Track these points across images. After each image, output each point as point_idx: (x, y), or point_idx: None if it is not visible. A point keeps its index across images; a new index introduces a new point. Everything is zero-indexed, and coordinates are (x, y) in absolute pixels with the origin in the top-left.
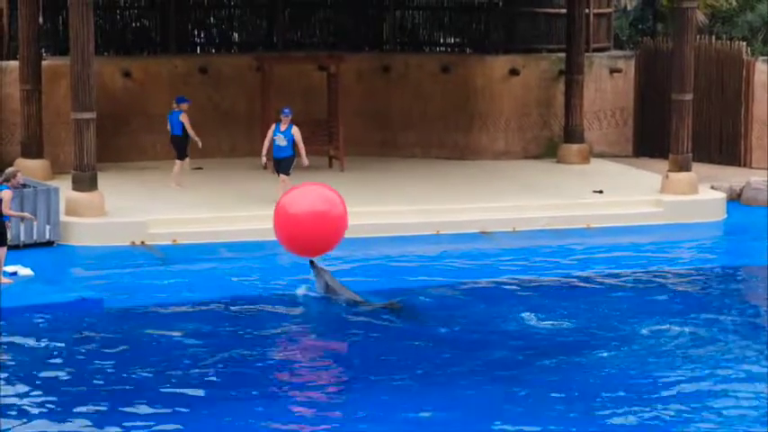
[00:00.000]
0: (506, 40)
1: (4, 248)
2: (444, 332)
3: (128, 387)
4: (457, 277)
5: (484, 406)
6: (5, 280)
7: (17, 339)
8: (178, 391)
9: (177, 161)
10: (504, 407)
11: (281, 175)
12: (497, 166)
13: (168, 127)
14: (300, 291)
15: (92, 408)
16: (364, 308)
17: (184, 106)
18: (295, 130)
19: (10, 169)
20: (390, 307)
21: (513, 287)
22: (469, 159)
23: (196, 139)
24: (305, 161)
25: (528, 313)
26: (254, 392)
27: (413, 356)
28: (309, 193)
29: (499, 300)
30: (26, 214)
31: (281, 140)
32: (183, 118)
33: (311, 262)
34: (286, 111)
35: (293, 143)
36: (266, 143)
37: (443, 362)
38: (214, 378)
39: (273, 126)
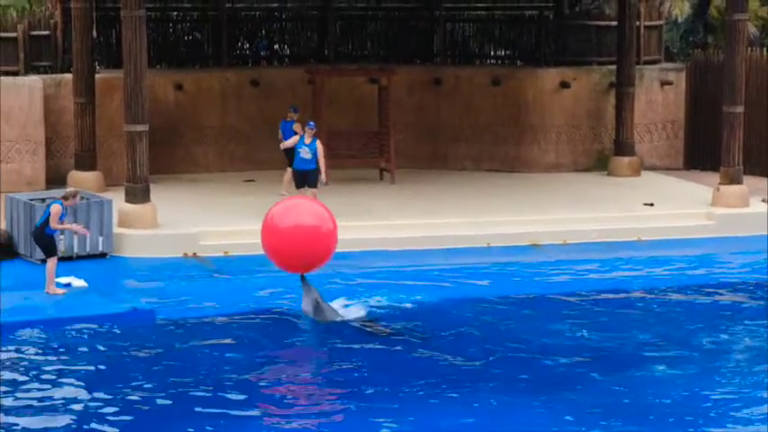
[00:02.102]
0: (557, 52)
1: (54, 259)
2: (490, 345)
3: (175, 397)
4: (506, 289)
5: (529, 421)
6: (58, 291)
7: (70, 349)
8: (228, 399)
9: (288, 169)
10: (551, 420)
11: (311, 189)
12: (548, 179)
13: (280, 135)
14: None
15: (143, 416)
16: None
17: (296, 116)
18: (319, 144)
19: (71, 189)
20: (376, 330)
21: (563, 300)
22: (520, 172)
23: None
24: (325, 177)
25: (577, 326)
26: (301, 405)
27: (457, 370)
28: (300, 208)
29: (548, 312)
30: (79, 228)
31: (306, 153)
32: (297, 127)
33: (302, 277)
34: (311, 123)
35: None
36: (287, 143)
37: (490, 375)
38: (262, 388)
39: (298, 137)
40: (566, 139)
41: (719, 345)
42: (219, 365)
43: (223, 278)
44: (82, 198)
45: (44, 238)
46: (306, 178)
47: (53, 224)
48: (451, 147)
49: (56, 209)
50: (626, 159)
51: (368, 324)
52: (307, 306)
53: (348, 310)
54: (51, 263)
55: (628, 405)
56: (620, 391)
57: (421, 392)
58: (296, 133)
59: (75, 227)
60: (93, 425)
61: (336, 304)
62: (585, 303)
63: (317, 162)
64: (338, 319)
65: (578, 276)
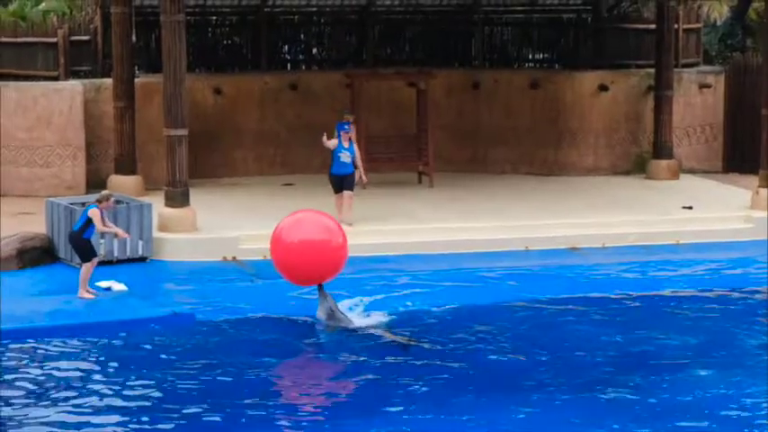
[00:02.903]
0: (595, 55)
1: (89, 264)
2: (528, 348)
3: (213, 402)
4: (544, 293)
5: (571, 423)
6: (89, 295)
7: (110, 353)
8: (267, 404)
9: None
10: (593, 422)
11: (347, 192)
12: (586, 182)
13: (327, 137)
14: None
15: (181, 419)
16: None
17: (352, 117)
18: (356, 147)
19: (105, 192)
20: (393, 339)
21: (602, 302)
22: (558, 175)
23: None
24: (365, 178)
25: (616, 329)
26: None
27: (491, 374)
28: (310, 221)
29: (587, 315)
30: (119, 231)
31: (346, 157)
32: (352, 128)
33: (319, 287)
34: (345, 127)
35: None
36: (328, 143)
37: (527, 378)
38: (303, 393)
39: (337, 141)
40: (604, 143)
41: (762, 347)
42: (257, 368)
43: (262, 282)
44: (118, 202)
45: (81, 243)
46: (343, 182)
47: (99, 227)
48: (490, 150)
49: (95, 212)
50: (664, 162)
51: (384, 333)
52: (321, 314)
53: (367, 318)
54: (86, 267)
55: (670, 408)
56: (661, 393)
57: (458, 398)
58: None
59: (117, 229)
60: (132, 426)
61: (354, 314)
62: (624, 306)
63: (354, 165)
64: (351, 326)
65: (617, 279)
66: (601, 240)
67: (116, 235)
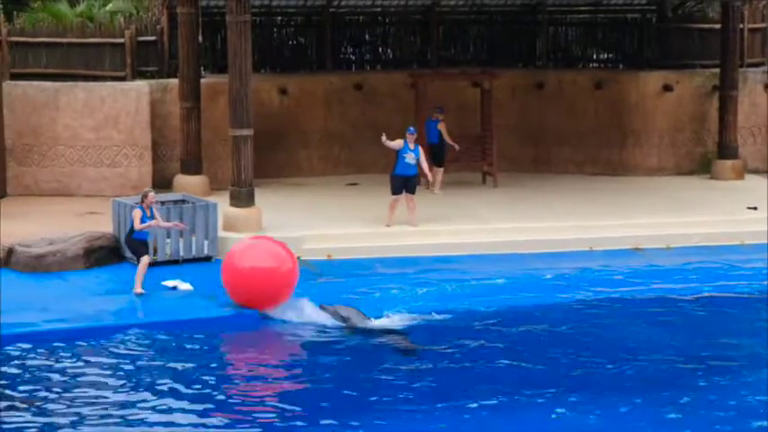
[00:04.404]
0: (660, 55)
1: (145, 261)
2: (585, 349)
3: (271, 401)
4: (608, 293)
5: (630, 424)
6: (141, 291)
7: (175, 352)
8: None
9: (436, 168)
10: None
11: (410, 195)
12: (651, 183)
13: (425, 136)
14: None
15: (244, 420)
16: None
17: (442, 116)
18: (421, 149)
19: (145, 190)
20: (405, 346)
21: (665, 303)
22: (623, 175)
23: (454, 144)
24: (430, 178)
25: (679, 330)
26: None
27: (557, 369)
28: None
29: (649, 316)
30: (165, 224)
31: (412, 159)
32: (441, 126)
33: (321, 306)
34: (411, 129)
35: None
36: (391, 144)
37: (582, 379)
38: (367, 396)
39: (401, 142)
40: (668, 143)
41: None
42: (314, 370)
43: (326, 281)
44: (183, 201)
45: (132, 242)
46: (407, 184)
47: (136, 226)
48: (554, 150)
49: (135, 213)
50: (729, 163)
51: (400, 339)
52: (291, 315)
53: (390, 319)
54: (142, 265)
55: (732, 410)
56: (723, 395)
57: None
58: (440, 132)
59: (162, 224)
60: (198, 425)
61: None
62: (688, 307)
63: (418, 168)
64: (369, 326)
65: (681, 280)
66: (665, 241)
67: (160, 227)
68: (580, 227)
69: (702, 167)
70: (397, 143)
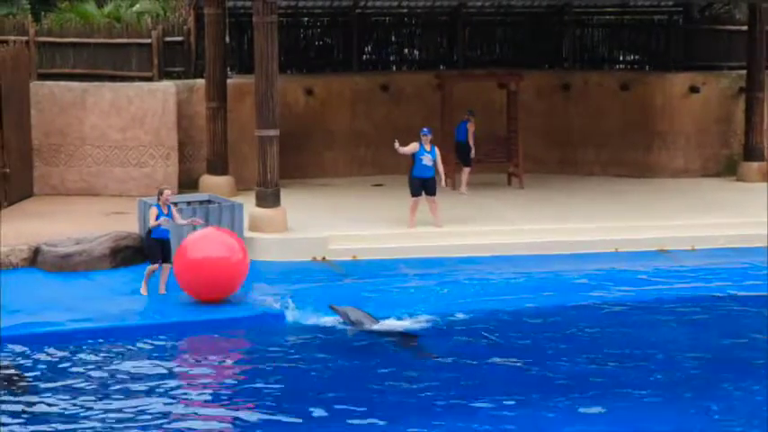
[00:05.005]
0: (686, 57)
1: (153, 265)
2: (609, 350)
3: (297, 402)
4: (633, 294)
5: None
6: (143, 291)
7: (201, 352)
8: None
9: (465, 168)
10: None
11: (430, 197)
12: (676, 184)
13: (455, 134)
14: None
15: (266, 420)
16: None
17: (473, 118)
18: (437, 150)
19: (161, 187)
20: (406, 341)
21: (690, 304)
22: (648, 177)
23: (472, 146)
24: (444, 182)
25: (705, 331)
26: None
27: (583, 370)
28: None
29: (673, 317)
30: (182, 221)
31: (428, 160)
32: (470, 126)
33: (331, 306)
34: (425, 130)
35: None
36: (406, 149)
37: (609, 380)
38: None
39: (417, 145)
40: (694, 145)
41: None
42: (337, 371)
43: (352, 282)
44: (210, 202)
45: (148, 242)
46: (425, 185)
47: (151, 223)
48: (580, 152)
49: (152, 211)
50: (755, 165)
51: (409, 340)
52: (349, 321)
53: (401, 321)
54: (148, 270)
55: (761, 410)
56: (750, 395)
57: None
58: (467, 131)
59: (179, 221)
60: (221, 424)
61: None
62: (713, 309)
63: (435, 169)
64: (376, 327)
65: (705, 282)
66: (690, 243)
67: (176, 223)
68: (605, 228)
69: (728, 169)
70: (411, 147)
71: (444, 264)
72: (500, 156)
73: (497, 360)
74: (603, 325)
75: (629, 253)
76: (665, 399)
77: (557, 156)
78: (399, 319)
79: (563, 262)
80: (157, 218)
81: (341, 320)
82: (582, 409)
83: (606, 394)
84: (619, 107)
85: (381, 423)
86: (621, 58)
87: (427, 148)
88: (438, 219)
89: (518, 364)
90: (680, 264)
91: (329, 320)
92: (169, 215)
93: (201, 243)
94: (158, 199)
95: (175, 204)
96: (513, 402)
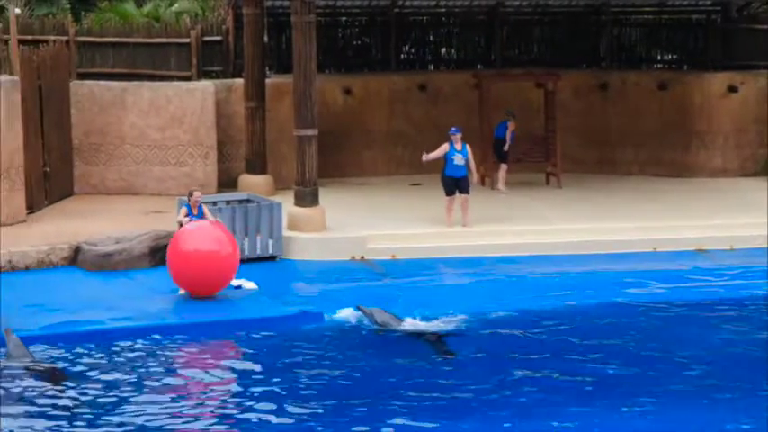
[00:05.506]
0: (724, 56)
1: None
2: (651, 349)
3: (337, 400)
4: (671, 294)
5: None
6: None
7: (240, 351)
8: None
9: (503, 165)
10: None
11: (464, 195)
12: (714, 184)
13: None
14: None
15: (305, 419)
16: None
17: (513, 119)
18: (469, 149)
19: (191, 188)
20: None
21: (728, 304)
22: (686, 177)
23: (507, 143)
24: (476, 179)
25: (742, 332)
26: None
27: (622, 370)
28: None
29: (712, 317)
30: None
31: (460, 160)
32: (511, 125)
33: (358, 307)
34: (453, 130)
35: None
36: (435, 154)
37: (643, 381)
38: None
39: (447, 145)
40: (732, 144)
41: None
42: (372, 373)
43: (390, 282)
44: (249, 201)
45: None
46: (458, 184)
47: (179, 218)
48: (618, 151)
49: (181, 210)
50: None
51: (433, 340)
52: (376, 323)
53: (427, 321)
54: None
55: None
56: None
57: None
58: (507, 129)
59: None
60: (256, 424)
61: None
62: (751, 309)
63: (467, 168)
64: (402, 327)
65: (744, 282)
66: (728, 242)
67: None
68: (644, 228)
69: (766, 169)
70: (441, 150)
71: (483, 263)
72: (538, 155)
73: (534, 358)
74: (641, 324)
75: (667, 253)
76: (706, 399)
77: (595, 155)
78: (435, 318)
79: (601, 261)
80: (189, 216)
81: (369, 321)
82: (623, 409)
83: (645, 394)
84: (657, 107)
85: (419, 424)
86: (659, 58)
87: (458, 147)
88: (467, 218)
89: (555, 363)
90: (718, 263)
91: (366, 320)
92: (199, 215)
93: (192, 236)
94: (188, 199)
95: (214, 203)
96: (547, 401)
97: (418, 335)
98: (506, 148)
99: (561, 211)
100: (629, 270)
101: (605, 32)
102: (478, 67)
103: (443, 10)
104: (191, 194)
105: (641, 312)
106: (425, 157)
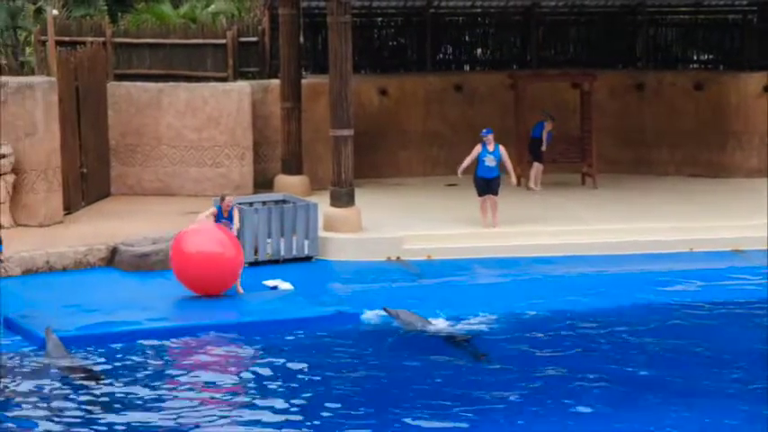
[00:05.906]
0: (761, 56)
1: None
2: (687, 351)
3: (372, 401)
4: (708, 295)
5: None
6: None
7: (275, 351)
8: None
9: (536, 164)
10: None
11: (492, 196)
12: (751, 184)
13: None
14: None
15: (341, 420)
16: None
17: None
18: (502, 149)
19: (223, 193)
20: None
21: (765, 305)
22: (722, 177)
23: (544, 144)
24: (514, 179)
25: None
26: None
27: (658, 372)
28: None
29: (748, 318)
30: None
31: (491, 161)
32: (548, 126)
33: (385, 309)
34: (485, 131)
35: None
36: (468, 160)
37: (669, 382)
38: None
39: (480, 147)
40: None
41: None
42: (427, 367)
43: (426, 282)
44: (285, 202)
45: None
46: (490, 185)
47: (204, 215)
48: (654, 151)
49: (211, 210)
50: None
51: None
52: (405, 326)
53: (454, 324)
54: None
55: None
56: None
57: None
58: (543, 128)
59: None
60: (295, 424)
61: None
62: None
63: (499, 169)
64: (428, 328)
65: None
66: (765, 243)
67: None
68: (680, 228)
69: None
70: (474, 153)
71: (518, 263)
72: (574, 156)
73: (566, 356)
74: (677, 325)
75: (703, 253)
76: (742, 399)
77: (630, 156)
78: (465, 319)
79: (637, 262)
80: (218, 219)
81: (395, 323)
82: (659, 411)
83: (681, 394)
84: (693, 107)
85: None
86: (695, 58)
87: (490, 148)
88: (496, 219)
89: (591, 363)
90: (755, 264)
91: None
92: (229, 219)
93: (195, 238)
94: (220, 202)
95: (250, 204)
96: (579, 401)
97: (448, 336)
98: (544, 147)
99: (597, 211)
100: (665, 270)
101: (641, 32)
102: (514, 67)
103: (479, 10)
104: (222, 199)
105: (677, 313)
106: (461, 170)
